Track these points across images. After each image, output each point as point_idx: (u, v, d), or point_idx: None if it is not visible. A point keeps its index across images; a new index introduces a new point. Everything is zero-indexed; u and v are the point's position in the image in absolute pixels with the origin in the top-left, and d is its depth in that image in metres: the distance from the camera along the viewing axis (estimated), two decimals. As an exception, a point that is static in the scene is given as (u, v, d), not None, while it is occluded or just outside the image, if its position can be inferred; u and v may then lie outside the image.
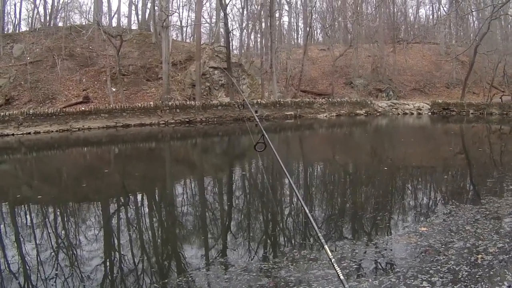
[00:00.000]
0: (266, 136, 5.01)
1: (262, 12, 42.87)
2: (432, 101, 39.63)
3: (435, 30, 58.10)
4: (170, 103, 29.89)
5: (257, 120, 6.22)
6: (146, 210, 11.34)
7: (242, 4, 49.53)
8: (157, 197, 13.02)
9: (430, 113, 38.30)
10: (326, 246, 3.09)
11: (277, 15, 42.01)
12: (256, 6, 48.05)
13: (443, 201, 12.68)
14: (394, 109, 37.87)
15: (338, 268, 2.87)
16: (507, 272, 7.63)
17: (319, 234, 3.42)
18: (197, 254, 8.00)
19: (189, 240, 8.89)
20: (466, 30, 55.27)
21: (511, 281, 7.36)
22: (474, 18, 52.76)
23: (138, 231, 9.32)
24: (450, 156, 19.99)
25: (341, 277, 2.84)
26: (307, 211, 3.78)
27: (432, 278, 7.19)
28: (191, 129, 27.99)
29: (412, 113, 37.90)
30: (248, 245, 8.45)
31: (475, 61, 41.34)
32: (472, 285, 7.09)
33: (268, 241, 8.88)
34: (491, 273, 7.61)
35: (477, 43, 40.29)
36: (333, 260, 3.00)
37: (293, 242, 8.83)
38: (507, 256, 8.36)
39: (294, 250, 8.01)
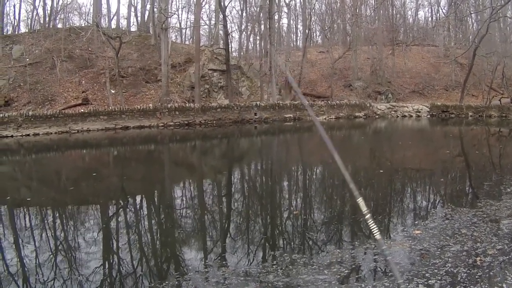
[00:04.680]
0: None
1: (261, 14, 42.89)
2: (431, 104, 39.77)
3: (434, 33, 58.19)
4: (169, 105, 29.90)
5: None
6: (145, 212, 11.34)
7: (241, 6, 49.68)
8: (155, 200, 13.03)
9: (429, 116, 38.39)
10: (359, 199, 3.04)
11: (276, 17, 42.02)
12: (255, 8, 48.19)
13: (439, 205, 12.69)
14: (393, 112, 38.00)
15: (374, 225, 2.85)
16: (507, 274, 7.64)
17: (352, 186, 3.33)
18: (188, 257, 8.00)
19: (182, 243, 8.88)
20: (465, 33, 55.29)
21: (510, 283, 7.38)
22: (473, 20, 52.88)
23: (130, 234, 9.31)
24: (448, 159, 20.02)
25: (377, 236, 2.82)
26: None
27: (429, 281, 7.19)
28: (190, 132, 28.01)
29: (411, 116, 37.98)
30: (239, 248, 8.46)
31: (474, 63, 41.48)
32: (471, 286, 7.10)
33: (260, 244, 8.88)
34: (491, 274, 7.61)
35: (476, 45, 40.39)
36: (367, 216, 2.97)
37: (284, 246, 8.85)
38: (507, 257, 8.36)
39: (285, 254, 8.03)
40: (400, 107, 38.73)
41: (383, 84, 42.84)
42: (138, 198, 12.96)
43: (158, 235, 9.46)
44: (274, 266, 7.45)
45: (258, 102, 32.42)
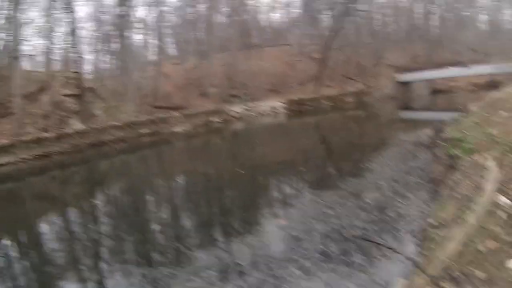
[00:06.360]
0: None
1: (114, 32, 42.21)
2: (287, 100, 41.45)
3: (288, 32, 59.82)
4: (24, 138, 28.60)
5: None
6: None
7: (94, 26, 48.52)
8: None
9: (286, 111, 39.96)
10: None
11: (129, 34, 41.55)
12: (108, 27, 47.26)
13: (301, 191, 13.23)
14: (250, 112, 38.92)
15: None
16: (378, 240, 8.11)
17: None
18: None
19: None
20: (319, 29, 57.51)
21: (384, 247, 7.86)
22: (326, 17, 54.82)
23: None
24: (308, 147, 20.78)
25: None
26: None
27: (301, 263, 7.55)
28: (47, 162, 26.75)
29: (268, 114, 39.36)
30: (109, 272, 8.63)
31: (328, 56, 43.28)
32: (345, 259, 7.51)
33: (125, 264, 8.91)
34: (363, 244, 8.08)
35: (329, 39, 42.35)
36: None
37: (150, 261, 8.91)
38: (377, 226, 8.92)
39: (152, 269, 8.15)
40: (257, 107, 39.80)
41: (238, 87, 43.28)
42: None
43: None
44: (144, 283, 7.49)
45: (114, 123, 31.70)
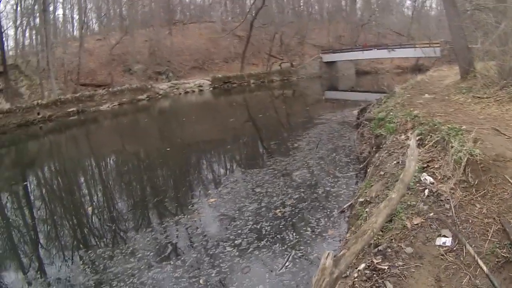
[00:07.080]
0: None
1: (36, 6, 40.74)
2: (212, 77, 41.82)
3: (211, 9, 59.73)
4: None
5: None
6: None
7: (16, 1, 46.52)
8: None
9: (211, 89, 40.43)
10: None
11: (51, 8, 40.24)
12: (30, 1, 45.46)
13: (229, 171, 13.56)
14: (175, 90, 39.06)
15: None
16: (310, 217, 8.61)
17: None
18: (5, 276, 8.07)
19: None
20: (242, 7, 57.70)
21: (315, 225, 8.31)
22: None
23: None
24: (235, 126, 21.05)
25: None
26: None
27: (236, 241, 7.87)
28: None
29: (193, 91, 39.63)
30: (47, 257, 8.64)
31: (252, 34, 43.99)
32: (278, 236, 7.95)
33: (64, 248, 8.94)
34: (294, 221, 8.52)
35: (252, 17, 42.75)
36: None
37: (87, 243, 9.00)
38: (306, 203, 9.37)
39: (90, 251, 8.24)
40: (182, 84, 39.97)
41: (163, 64, 43.18)
42: None
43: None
44: (82, 266, 7.64)
45: (40, 101, 30.77)
